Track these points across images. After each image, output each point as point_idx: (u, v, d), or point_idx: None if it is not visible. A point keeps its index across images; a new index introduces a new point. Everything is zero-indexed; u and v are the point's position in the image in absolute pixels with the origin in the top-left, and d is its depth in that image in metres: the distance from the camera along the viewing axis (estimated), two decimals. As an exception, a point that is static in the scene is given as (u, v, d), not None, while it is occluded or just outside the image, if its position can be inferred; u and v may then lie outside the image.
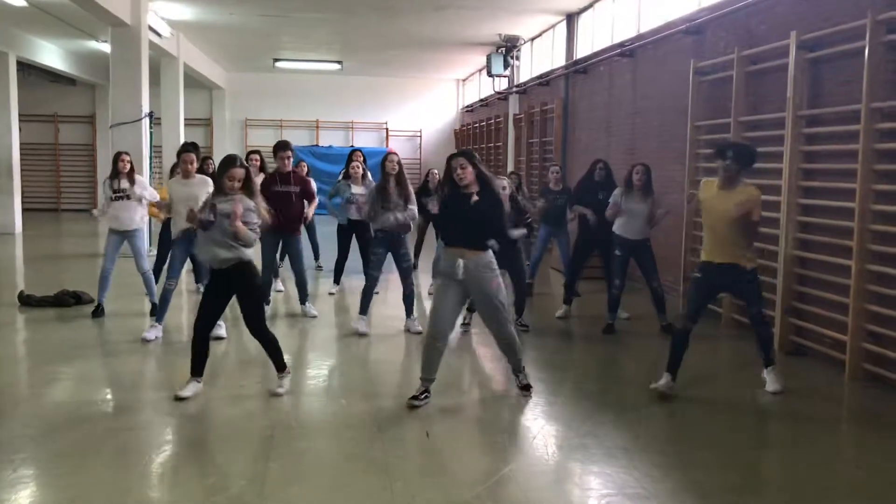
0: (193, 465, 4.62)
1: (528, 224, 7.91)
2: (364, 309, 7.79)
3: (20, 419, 5.29)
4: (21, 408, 5.56)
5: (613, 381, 6.59)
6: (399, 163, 7.70)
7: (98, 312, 8.25)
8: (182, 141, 17.43)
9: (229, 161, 5.55)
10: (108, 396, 5.94)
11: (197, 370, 5.66)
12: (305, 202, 8.42)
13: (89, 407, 5.57)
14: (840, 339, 6.63)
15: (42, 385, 6.14)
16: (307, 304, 8.58)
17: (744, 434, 5.26)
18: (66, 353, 6.99)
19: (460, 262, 5.40)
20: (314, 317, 8.45)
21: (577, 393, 6.10)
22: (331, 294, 9.79)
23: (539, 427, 5.32)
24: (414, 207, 7.64)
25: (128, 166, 8.21)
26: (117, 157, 8.25)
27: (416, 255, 11.59)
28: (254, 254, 5.69)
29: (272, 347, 5.78)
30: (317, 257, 11.77)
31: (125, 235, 8.17)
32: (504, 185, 7.31)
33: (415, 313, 7.88)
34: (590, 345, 7.90)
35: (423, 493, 4.23)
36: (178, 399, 5.53)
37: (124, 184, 8.15)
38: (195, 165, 7.48)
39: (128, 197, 8.11)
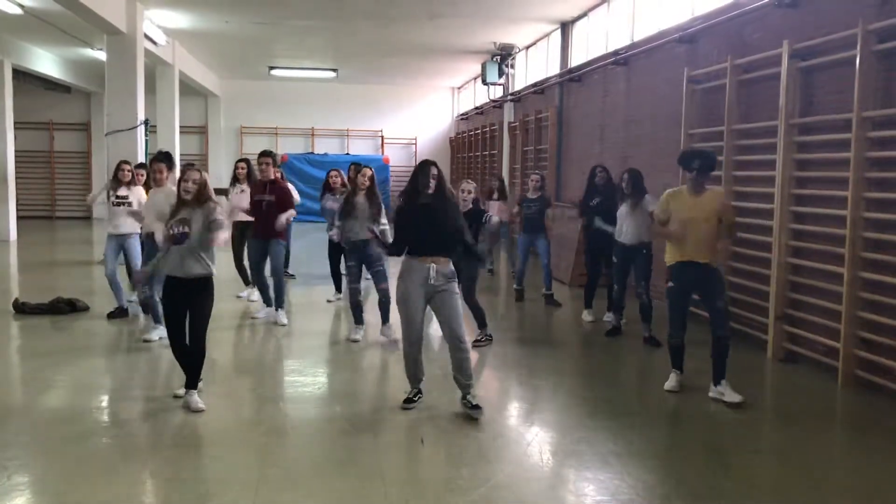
0: (187, 472, 4.62)
1: (484, 224, 7.63)
2: (358, 319, 7.90)
3: (14, 426, 5.29)
4: (15, 415, 5.56)
5: (608, 387, 6.60)
6: (371, 178, 7.75)
7: (122, 314, 8.60)
8: (178, 149, 17.51)
9: (185, 166, 5.81)
10: (102, 403, 5.94)
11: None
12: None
13: (83, 414, 5.56)
14: (833, 346, 6.66)
15: (36, 392, 6.14)
16: (280, 310, 8.56)
17: (736, 440, 5.28)
18: (61, 361, 6.99)
19: (433, 266, 5.51)
20: (284, 325, 8.40)
21: (572, 399, 6.11)
22: (329, 301, 9.88)
23: (533, 433, 5.33)
24: (385, 223, 7.67)
25: (128, 175, 8.62)
26: (119, 167, 8.66)
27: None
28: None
29: (200, 362, 5.69)
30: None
31: (121, 239, 8.55)
32: (470, 188, 7.87)
33: (390, 319, 7.69)
34: (584, 351, 7.92)
35: (417, 499, 4.25)
36: (178, 397, 5.68)
37: (124, 192, 8.58)
38: (164, 174, 7.58)
39: (129, 204, 8.48)
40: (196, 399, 5.57)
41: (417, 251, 5.61)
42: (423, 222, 5.59)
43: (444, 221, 5.61)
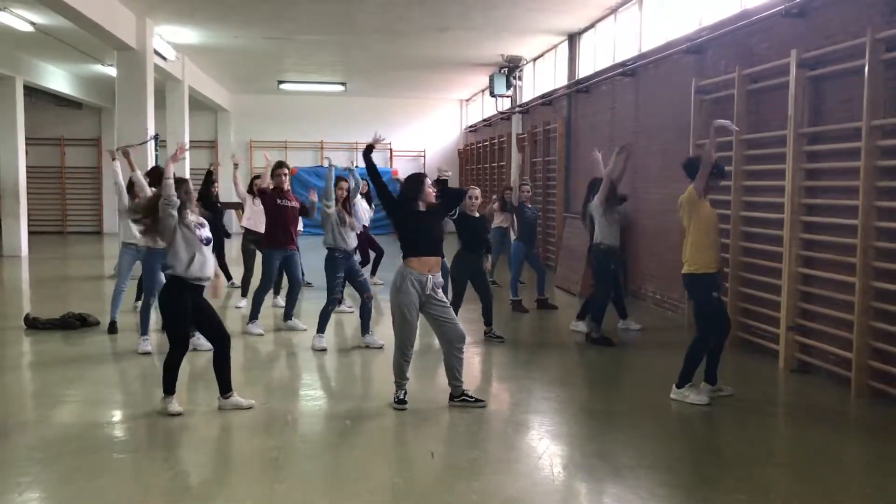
0: (199, 487, 4.62)
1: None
2: (322, 328, 8.06)
3: (26, 442, 5.30)
4: (27, 431, 5.57)
5: (617, 397, 6.58)
6: (348, 189, 8.44)
7: (112, 329, 8.61)
8: (189, 164, 17.60)
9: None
10: (114, 419, 5.95)
11: (173, 389, 5.87)
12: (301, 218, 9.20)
13: (95, 429, 5.57)
14: (845, 357, 6.62)
15: (48, 408, 6.15)
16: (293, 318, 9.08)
17: (750, 451, 5.24)
18: (72, 376, 7.01)
19: (430, 277, 5.90)
20: (304, 329, 8.79)
21: (583, 412, 6.09)
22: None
23: (545, 447, 5.31)
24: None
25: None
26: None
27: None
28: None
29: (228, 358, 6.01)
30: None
31: (140, 252, 8.31)
32: (477, 194, 8.69)
33: (370, 328, 8.16)
34: (590, 359, 7.89)
35: (428, 513, 4.23)
36: (173, 415, 5.74)
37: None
38: None
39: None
40: (239, 399, 5.97)
41: (417, 250, 5.93)
42: (422, 226, 5.99)
43: (439, 226, 6.13)
